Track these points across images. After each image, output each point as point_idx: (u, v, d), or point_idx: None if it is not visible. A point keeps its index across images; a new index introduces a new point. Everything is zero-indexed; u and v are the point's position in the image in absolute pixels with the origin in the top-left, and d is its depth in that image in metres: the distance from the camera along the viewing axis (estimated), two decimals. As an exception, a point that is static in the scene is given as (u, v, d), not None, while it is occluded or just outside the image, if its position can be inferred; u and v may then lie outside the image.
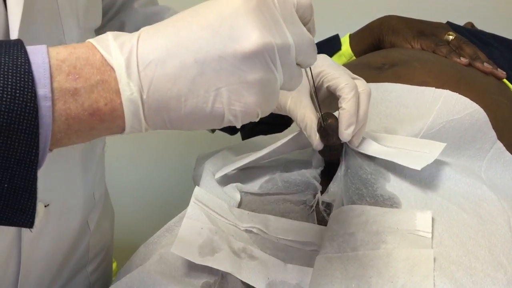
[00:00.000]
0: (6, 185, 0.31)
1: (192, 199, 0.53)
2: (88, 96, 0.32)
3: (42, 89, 0.31)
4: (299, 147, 0.59)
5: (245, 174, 0.61)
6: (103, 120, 0.33)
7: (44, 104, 0.31)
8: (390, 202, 0.51)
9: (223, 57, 0.34)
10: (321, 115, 0.52)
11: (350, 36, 0.87)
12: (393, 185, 0.53)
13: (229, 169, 0.60)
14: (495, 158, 0.59)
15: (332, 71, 0.52)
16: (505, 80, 0.74)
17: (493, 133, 0.60)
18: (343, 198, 0.53)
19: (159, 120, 0.35)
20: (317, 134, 0.53)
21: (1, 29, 0.42)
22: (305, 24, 0.37)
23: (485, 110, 0.63)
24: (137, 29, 0.77)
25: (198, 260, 0.47)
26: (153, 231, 0.58)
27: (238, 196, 0.58)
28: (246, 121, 0.36)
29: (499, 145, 0.60)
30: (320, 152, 0.56)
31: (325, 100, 0.55)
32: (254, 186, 0.59)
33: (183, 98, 0.34)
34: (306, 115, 0.53)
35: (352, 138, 0.52)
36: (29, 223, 0.33)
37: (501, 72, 0.73)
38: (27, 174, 0.31)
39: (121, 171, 1.11)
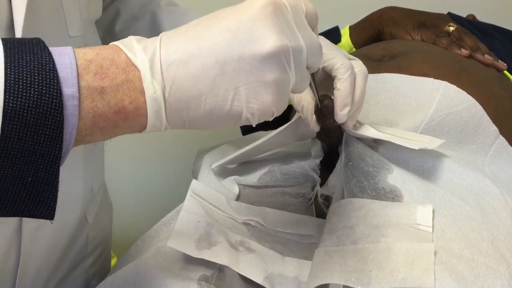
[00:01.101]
0: (30, 178, 0.32)
1: (189, 192, 0.53)
2: (114, 94, 0.34)
3: (70, 89, 0.33)
4: (298, 137, 0.58)
5: (244, 167, 0.61)
6: (127, 118, 0.35)
7: (71, 103, 0.33)
8: (391, 195, 0.51)
9: (243, 58, 0.36)
10: (318, 96, 0.51)
11: (350, 28, 0.86)
12: (396, 176, 0.52)
13: (227, 159, 0.59)
14: (499, 153, 0.59)
15: (328, 51, 0.51)
16: (505, 72, 0.73)
17: (494, 128, 0.60)
18: (344, 191, 0.53)
19: (179, 119, 0.36)
20: (314, 116, 0.52)
21: (6, 20, 0.42)
22: (312, 30, 0.40)
23: (485, 103, 0.63)
24: (132, 17, 0.76)
25: (195, 254, 0.47)
26: (152, 225, 0.58)
27: (236, 189, 0.57)
28: (262, 120, 0.38)
29: (502, 139, 0.60)
30: (318, 135, 0.55)
31: (323, 82, 0.54)
32: (253, 178, 0.59)
33: (204, 97, 0.36)
34: (302, 97, 0.53)
35: (347, 120, 0.51)
36: (50, 215, 0.34)
37: (502, 64, 0.72)
38: (51, 168, 0.32)
39: (120, 165, 1.10)
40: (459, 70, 0.67)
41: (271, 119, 0.38)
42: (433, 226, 0.47)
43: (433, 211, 0.48)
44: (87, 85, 0.33)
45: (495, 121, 0.61)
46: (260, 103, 0.37)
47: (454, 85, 0.62)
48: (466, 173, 0.54)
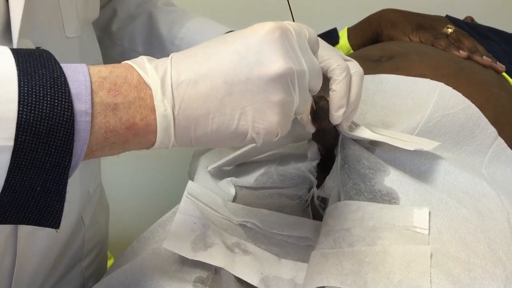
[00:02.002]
0: (39, 188, 0.33)
1: (185, 194, 0.53)
2: (126, 111, 0.35)
3: (83, 105, 0.33)
4: (294, 138, 0.58)
5: (241, 168, 0.60)
6: (138, 134, 0.36)
7: (84, 119, 0.33)
8: (388, 197, 0.50)
9: (250, 79, 0.37)
10: (313, 97, 0.51)
11: (348, 29, 0.86)
12: (392, 178, 0.52)
13: (223, 160, 0.59)
14: (497, 155, 0.59)
15: (324, 52, 0.51)
16: (504, 74, 0.73)
17: (492, 129, 0.60)
18: (340, 193, 0.53)
19: (186, 137, 0.38)
20: (309, 117, 0.52)
21: (2, 21, 0.42)
22: (313, 54, 0.42)
23: (484, 104, 0.62)
24: (129, 16, 0.77)
25: (191, 255, 0.47)
26: (149, 225, 0.57)
27: (232, 191, 0.57)
28: (266, 140, 0.39)
29: (500, 141, 0.60)
30: (314, 137, 0.55)
31: None
32: (250, 179, 0.59)
33: (211, 115, 0.37)
34: None
35: (342, 121, 0.51)
36: (56, 224, 0.35)
37: (500, 66, 0.72)
38: (59, 179, 0.33)
39: (117, 166, 1.10)
40: (458, 71, 0.67)
41: (275, 139, 0.40)
42: (429, 229, 0.47)
43: (430, 213, 0.48)
44: (101, 101, 0.34)
45: (494, 122, 0.61)
46: (265, 123, 0.38)
47: (453, 86, 0.62)
48: (462, 176, 0.54)
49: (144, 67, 0.37)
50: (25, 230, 0.50)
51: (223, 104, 0.37)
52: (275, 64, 0.37)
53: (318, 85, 0.42)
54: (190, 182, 0.55)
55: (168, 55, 0.67)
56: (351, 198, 0.51)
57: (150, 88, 0.36)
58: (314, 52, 0.43)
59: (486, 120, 0.60)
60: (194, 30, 0.67)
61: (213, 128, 0.37)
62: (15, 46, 0.42)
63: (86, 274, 0.66)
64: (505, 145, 0.60)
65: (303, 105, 0.41)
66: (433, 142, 0.54)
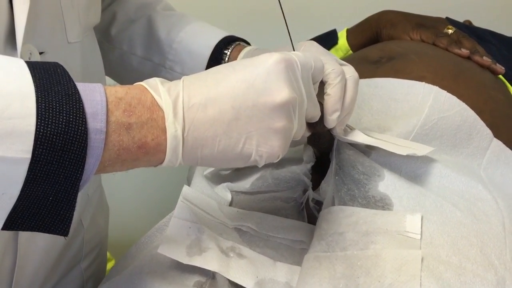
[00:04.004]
0: (51, 198, 0.35)
1: (180, 198, 0.53)
2: (138, 131, 0.37)
3: (99, 124, 0.35)
4: (291, 143, 0.58)
5: (236, 173, 0.61)
6: (148, 152, 0.38)
7: (99, 137, 0.35)
8: (381, 203, 0.51)
9: (256, 106, 0.39)
10: None
11: (348, 30, 0.86)
12: (387, 183, 0.52)
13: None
14: (496, 156, 0.59)
15: (320, 57, 0.51)
16: (501, 77, 0.73)
17: (488, 131, 0.60)
18: (335, 198, 0.53)
19: (193, 156, 0.40)
20: None
21: (7, 27, 0.43)
22: (314, 83, 0.45)
23: (482, 106, 0.62)
24: (128, 20, 0.78)
25: (186, 260, 0.47)
26: (150, 227, 0.58)
27: (229, 196, 0.58)
28: (268, 162, 0.41)
29: (497, 142, 0.60)
30: (309, 140, 0.55)
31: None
32: (245, 184, 0.59)
33: (218, 138, 0.39)
34: None
35: (336, 125, 0.51)
36: (65, 232, 0.36)
37: (499, 67, 0.72)
38: (71, 190, 0.35)
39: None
40: (457, 73, 0.67)
41: (276, 161, 0.42)
42: (421, 233, 0.47)
43: (423, 217, 0.48)
44: (116, 121, 0.36)
45: (491, 125, 0.60)
46: (268, 147, 0.40)
47: (452, 88, 0.62)
48: (458, 179, 0.54)
49: (158, 89, 0.39)
50: (25, 231, 0.51)
51: (230, 128, 0.39)
52: (281, 93, 0.39)
53: (315, 114, 0.46)
54: (185, 186, 0.55)
55: (166, 59, 0.68)
56: (345, 204, 0.51)
57: (162, 110, 0.38)
58: (316, 81, 0.46)
59: (482, 122, 0.60)
60: (192, 34, 0.68)
61: (219, 150, 0.40)
62: (19, 51, 0.43)
63: (85, 276, 0.67)
64: (503, 145, 0.60)
65: (300, 130, 0.44)
66: (427, 147, 0.54)
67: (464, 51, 0.71)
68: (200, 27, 0.69)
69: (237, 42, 0.67)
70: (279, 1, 0.50)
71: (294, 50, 0.53)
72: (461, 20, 0.87)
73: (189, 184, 0.63)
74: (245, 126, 0.39)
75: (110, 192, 0.77)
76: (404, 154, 0.51)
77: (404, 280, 0.43)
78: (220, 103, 0.39)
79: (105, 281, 0.55)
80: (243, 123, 0.39)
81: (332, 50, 0.86)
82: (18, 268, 0.51)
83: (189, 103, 0.38)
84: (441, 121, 0.59)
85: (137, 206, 1.20)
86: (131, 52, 0.70)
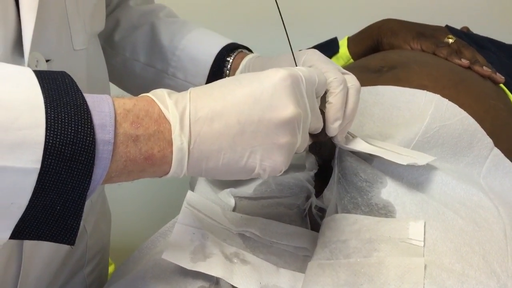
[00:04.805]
0: (58, 208, 0.35)
1: (184, 204, 0.53)
2: (145, 143, 0.37)
3: (107, 135, 0.36)
4: None
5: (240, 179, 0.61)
6: (154, 164, 0.38)
7: (106, 148, 0.35)
8: (384, 211, 0.51)
9: (261, 121, 0.40)
10: None
11: (349, 38, 0.87)
12: (389, 190, 0.52)
13: None
14: (494, 165, 0.59)
15: (322, 65, 0.52)
16: (502, 86, 0.74)
17: (489, 140, 0.60)
18: (338, 206, 0.53)
19: (198, 168, 0.40)
20: None
21: (14, 34, 0.43)
22: (317, 96, 0.46)
23: (483, 115, 0.63)
24: (131, 26, 0.78)
25: (190, 266, 0.47)
26: (151, 233, 0.58)
27: (232, 202, 0.58)
28: (271, 175, 0.42)
29: (497, 151, 0.60)
30: (310, 149, 0.56)
31: None
32: (248, 189, 0.59)
33: (223, 152, 0.39)
34: None
35: (337, 133, 0.52)
36: (72, 241, 0.37)
37: (499, 77, 0.72)
38: (78, 200, 0.35)
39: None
40: (458, 82, 0.67)
41: (278, 175, 0.43)
42: (424, 240, 0.47)
43: (426, 224, 0.49)
44: (124, 132, 0.37)
45: (491, 133, 0.61)
46: (272, 162, 0.41)
47: (453, 97, 0.63)
48: (459, 187, 0.54)
49: (165, 101, 0.39)
50: None
51: (235, 142, 0.39)
52: (286, 109, 0.40)
53: (318, 126, 0.47)
54: (189, 192, 0.56)
55: (169, 65, 0.68)
56: (348, 212, 0.51)
57: (169, 123, 0.38)
58: (320, 95, 0.47)
59: (483, 131, 0.60)
60: (195, 41, 0.68)
61: (223, 163, 0.40)
62: (26, 59, 0.43)
63: (88, 281, 0.67)
64: (502, 155, 0.60)
65: (304, 144, 0.44)
66: (428, 156, 0.54)
67: (464, 62, 0.72)
68: (203, 34, 0.69)
69: (240, 50, 0.67)
70: (278, 11, 0.50)
71: (294, 57, 0.53)
72: (458, 26, 0.88)
73: (191, 189, 0.63)
74: (250, 140, 0.40)
75: (111, 197, 0.77)
76: (405, 163, 0.51)
77: (407, 287, 0.43)
78: (226, 118, 0.39)
79: (107, 285, 0.55)
80: (248, 137, 0.40)
81: (333, 58, 0.86)
82: (22, 274, 0.51)
83: (196, 116, 0.39)
84: (443, 129, 0.59)
85: (137, 211, 1.20)
86: (134, 58, 0.71)
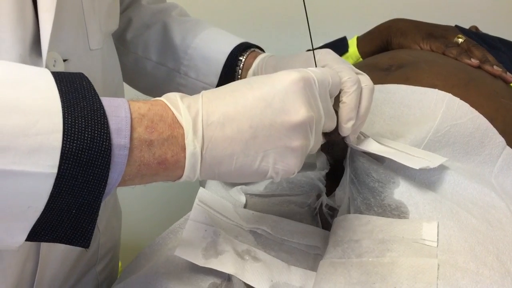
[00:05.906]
0: (74, 211, 0.35)
1: (196, 201, 0.54)
2: (159, 147, 0.38)
3: (123, 140, 0.36)
4: None
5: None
6: (167, 168, 0.38)
7: (122, 153, 0.36)
8: (397, 211, 0.51)
9: (273, 125, 0.40)
10: None
11: (358, 38, 0.87)
12: (402, 190, 0.52)
13: None
14: (507, 164, 0.59)
15: (336, 65, 0.52)
16: (512, 84, 0.73)
17: (501, 139, 0.60)
18: (350, 206, 0.53)
19: (211, 172, 0.40)
20: None
21: (32, 34, 0.44)
22: (331, 96, 0.46)
23: (494, 114, 0.63)
24: (143, 25, 0.78)
25: (202, 263, 0.47)
26: (160, 231, 0.58)
27: (243, 199, 0.58)
28: (284, 177, 0.42)
29: (509, 150, 0.60)
30: (322, 148, 0.55)
31: None
32: (259, 187, 0.59)
33: (236, 156, 0.39)
34: None
35: (350, 133, 0.52)
36: (86, 244, 0.37)
37: (510, 76, 0.72)
38: (93, 204, 0.35)
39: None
40: (468, 81, 0.67)
41: (291, 177, 0.43)
42: (438, 239, 0.47)
43: (439, 223, 0.48)
44: (139, 137, 0.37)
45: (503, 132, 0.61)
46: (285, 165, 0.41)
47: (463, 96, 0.62)
48: (471, 186, 0.54)
49: (178, 106, 0.39)
50: None
51: (248, 147, 0.39)
52: (298, 113, 0.40)
53: (331, 126, 0.47)
54: (201, 189, 0.56)
55: (181, 64, 0.69)
56: (361, 213, 0.51)
57: (182, 128, 0.38)
58: (333, 95, 0.47)
59: (494, 130, 0.60)
60: (208, 40, 0.68)
61: (236, 167, 0.40)
62: (44, 59, 0.44)
63: (100, 279, 0.67)
64: None
65: (316, 145, 0.44)
66: (440, 157, 0.54)
67: (474, 61, 0.72)
68: (215, 33, 0.69)
69: (252, 49, 0.67)
70: (305, 10, 0.50)
71: (314, 57, 0.53)
72: (467, 25, 0.88)
73: (202, 186, 0.63)
74: (262, 144, 0.40)
75: (120, 195, 0.77)
76: (417, 167, 0.51)
77: (420, 287, 0.43)
78: (238, 122, 0.39)
79: (119, 281, 0.55)
80: (260, 141, 0.39)
81: (342, 58, 0.86)
82: (39, 272, 0.52)
83: (208, 121, 0.39)
84: (454, 128, 0.59)
85: (147, 210, 1.20)
86: (146, 57, 0.71)
